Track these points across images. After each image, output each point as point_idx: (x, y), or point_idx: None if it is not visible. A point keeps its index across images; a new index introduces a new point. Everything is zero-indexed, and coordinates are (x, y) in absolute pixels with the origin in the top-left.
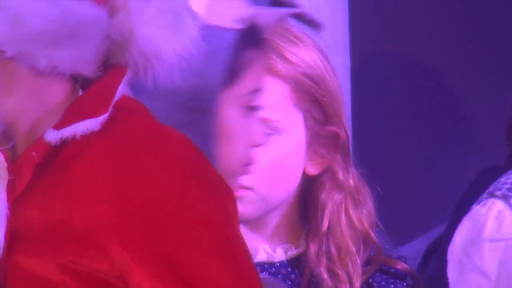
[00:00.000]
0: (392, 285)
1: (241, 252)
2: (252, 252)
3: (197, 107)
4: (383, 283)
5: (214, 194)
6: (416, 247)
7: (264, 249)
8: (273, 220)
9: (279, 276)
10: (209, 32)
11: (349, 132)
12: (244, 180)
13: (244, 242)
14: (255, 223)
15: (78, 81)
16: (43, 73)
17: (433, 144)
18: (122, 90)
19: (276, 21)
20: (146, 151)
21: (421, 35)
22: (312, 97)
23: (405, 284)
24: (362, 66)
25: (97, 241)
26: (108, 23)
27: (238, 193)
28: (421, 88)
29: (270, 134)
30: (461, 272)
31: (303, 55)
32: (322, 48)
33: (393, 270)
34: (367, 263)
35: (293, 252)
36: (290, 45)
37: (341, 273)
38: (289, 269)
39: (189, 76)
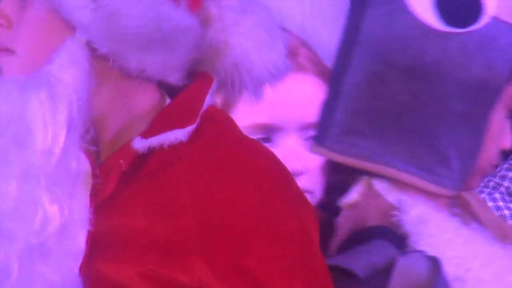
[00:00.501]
0: None
1: (320, 269)
2: None
3: (478, 99)
4: None
5: (296, 211)
6: None
7: None
8: None
9: None
10: (500, 27)
11: None
12: (306, 184)
13: (323, 259)
14: None
15: (163, 88)
16: (132, 76)
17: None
18: (209, 100)
19: None
20: (231, 164)
21: None
22: None
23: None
24: None
25: (179, 252)
26: (199, 33)
27: None
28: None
29: None
30: None
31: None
32: None
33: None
34: None
35: None
36: None
37: None
38: None
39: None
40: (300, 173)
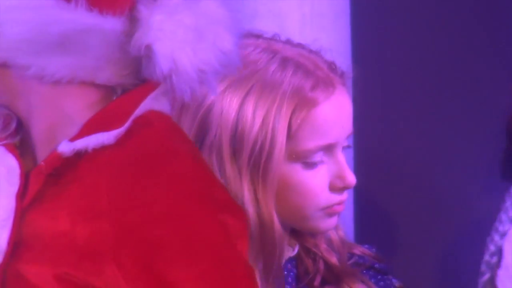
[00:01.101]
0: (382, 282)
1: (241, 276)
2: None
3: None
4: (372, 280)
5: (217, 216)
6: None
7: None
8: None
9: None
10: None
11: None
12: (347, 194)
13: (248, 265)
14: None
15: (116, 92)
16: (51, 81)
17: (435, 145)
18: (148, 104)
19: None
20: (152, 170)
21: (423, 39)
22: None
23: (392, 279)
24: (363, 70)
25: (94, 256)
26: (122, 35)
27: (344, 206)
28: (423, 92)
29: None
30: None
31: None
32: None
33: (376, 265)
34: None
35: (290, 255)
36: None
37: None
38: (285, 272)
39: None
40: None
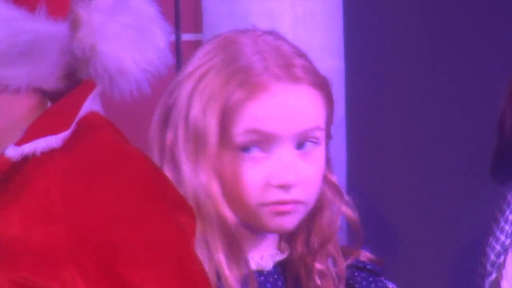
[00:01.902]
0: (373, 284)
1: (198, 273)
2: (244, 262)
3: None
4: (364, 283)
5: (173, 215)
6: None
7: (253, 258)
8: None
9: (267, 285)
10: None
11: (343, 135)
12: (300, 195)
13: (201, 263)
14: (257, 233)
15: (47, 94)
16: (11, 90)
17: (429, 145)
18: (88, 106)
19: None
20: (104, 171)
21: (416, 38)
22: (331, 101)
23: (384, 281)
24: (356, 70)
25: (52, 261)
26: (67, 38)
27: (296, 207)
28: (416, 92)
29: (314, 145)
30: None
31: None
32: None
33: (368, 266)
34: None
35: (278, 258)
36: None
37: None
38: (276, 276)
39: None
40: (294, 185)
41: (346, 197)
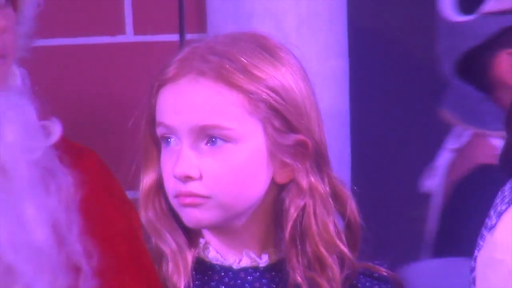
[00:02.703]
0: (377, 286)
1: (150, 267)
2: (236, 258)
3: None
4: (367, 284)
5: (123, 210)
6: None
7: (248, 254)
8: (247, 227)
9: (263, 280)
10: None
11: (347, 135)
12: (199, 189)
13: (150, 257)
14: (228, 230)
15: None
16: None
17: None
18: None
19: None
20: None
21: (420, 38)
22: (271, 106)
23: (389, 286)
24: (360, 70)
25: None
26: None
27: (195, 200)
28: (421, 91)
29: (225, 142)
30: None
31: (271, 70)
32: (297, 62)
33: (376, 274)
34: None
35: (275, 257)
36: (259, 61)
37: (319, 279)
38: (273, 273)
39: None
40: (188, 178)
41: (307, 197)
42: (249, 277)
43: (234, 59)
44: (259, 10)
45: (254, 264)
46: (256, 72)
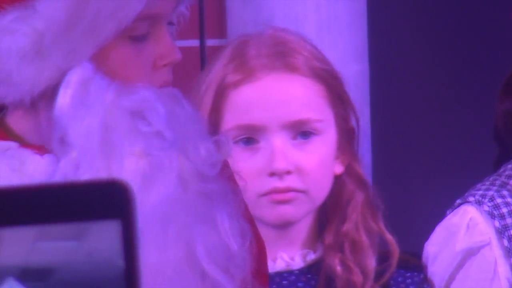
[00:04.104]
0: (409, 279)
1: None
2: (270, 261)
3: None
4: (399, 279)
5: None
6: None
7: (282, 257)
8: (300, 224)
9: (299, 284)
10: None
11: (368, 139)
12: (297, 183)
13: None
14: (282, 229)
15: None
16: None
17: (453, 148)
18: None
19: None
20: None
21: (440, 42)
22: (338, 95)
23: (422, 276)
24: (381, 73)
25: None
26: None
27: (292, 195)
28: (441, 95)
29: (314, 135)
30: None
31: (315, 51)
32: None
33: (409, 266)
34: (383, 260)
35: (311, 258)
36: (321, 53)
37: (354, 267)
38: (309, 275)
39: None
40: (288, 172)
41: (371, 189)
42: (284, 282)
43: (311, 52)
44: (279, 15)
45: (289, 267)
46: (327, 63)
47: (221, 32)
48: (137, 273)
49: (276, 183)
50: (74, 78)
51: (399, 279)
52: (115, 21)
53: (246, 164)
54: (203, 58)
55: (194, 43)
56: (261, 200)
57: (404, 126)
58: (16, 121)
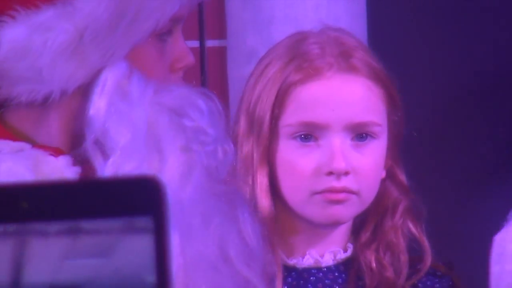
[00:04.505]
0: (438, 285)
1: None
2: (299, 257)
3: None
4: (428, 283)
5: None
6: None
7: (311, 254)
8: (343, 225)
9: (326, 281)
10: None
11: None
12: (353, 184)
13: None
14: (326, 228)
15: None
16: None
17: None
18: None
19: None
20: None
21: (441, 42)
22: (393, 98)
23: (450, 283)
24: None
25: None
26: None
27: (346, 196)
28: (442, 96)
29: (371, 138)
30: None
31: (372, 53)
32: None
33: (438, 273)
34: (415, 264)
35: (341, 256)
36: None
37: (388, 266)
38: (337, 273)
39: None
40: (345, 173)
41: (413, 197)
42: (311, 278)
43: (370, 54)
44: (278, 16)
45: (317, 264)
46: (382, 66)
47: (221, 32)
48: (168, 285)
49: (333, 183)
50: (110, 77)
51: (428, 283)
52: (153, 21)
53: (302, 160)
54: (203, 58)
55: (194, 43)
56: (314, 198)
57: (406, 127)
58: (18, 120)
